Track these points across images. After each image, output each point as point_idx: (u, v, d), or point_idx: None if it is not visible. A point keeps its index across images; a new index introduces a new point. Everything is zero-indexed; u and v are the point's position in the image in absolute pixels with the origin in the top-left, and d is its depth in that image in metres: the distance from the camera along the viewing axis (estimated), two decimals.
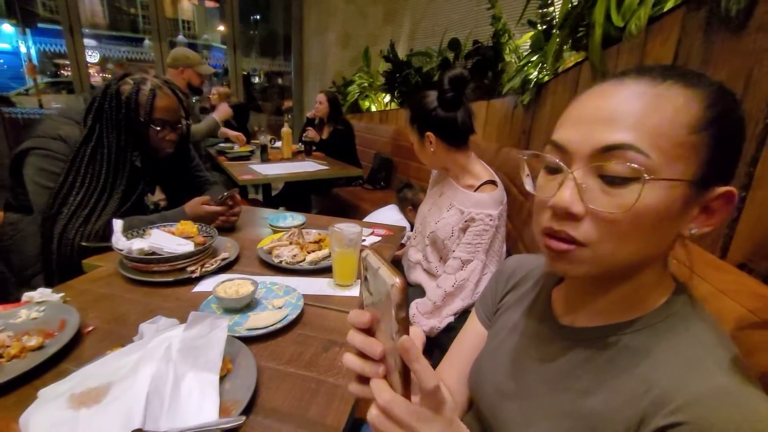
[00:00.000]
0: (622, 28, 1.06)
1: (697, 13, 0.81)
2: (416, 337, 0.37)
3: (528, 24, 1.99)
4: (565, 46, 1.55)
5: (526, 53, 2.02)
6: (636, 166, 0.35)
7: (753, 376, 0.35)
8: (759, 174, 0.61)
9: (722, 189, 0.37)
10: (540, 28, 1.82)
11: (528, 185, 0.45)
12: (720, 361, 0.35)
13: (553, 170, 0.41)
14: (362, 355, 0.36)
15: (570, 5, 1.34)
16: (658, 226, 0.37)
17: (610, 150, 0.36)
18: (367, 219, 2.17)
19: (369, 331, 0.37)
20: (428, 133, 1.17)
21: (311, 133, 3.13)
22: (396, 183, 3.17)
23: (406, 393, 0.35)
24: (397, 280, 0.32)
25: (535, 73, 1.92)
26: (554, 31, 1.41)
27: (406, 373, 0.34)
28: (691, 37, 0.82)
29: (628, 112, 0.36)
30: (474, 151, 1.24)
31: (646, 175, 0.35)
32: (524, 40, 2.30)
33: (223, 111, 2.73)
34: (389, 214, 2.11)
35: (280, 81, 6.27)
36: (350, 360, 0.37)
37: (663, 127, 0.35)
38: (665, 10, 0.98)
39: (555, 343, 0.48)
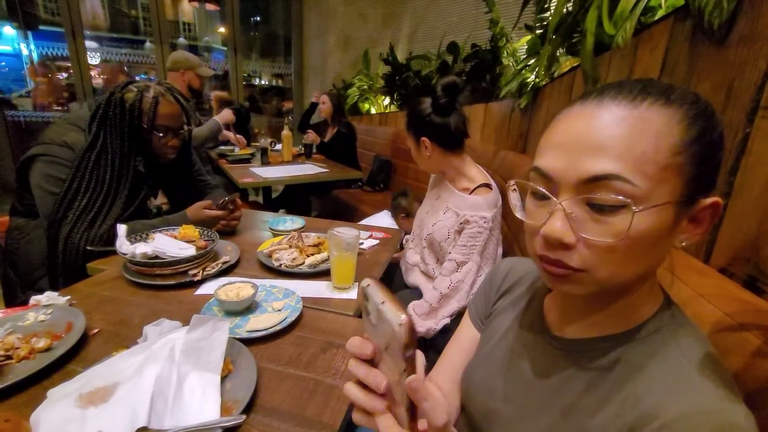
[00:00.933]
0: (614, 36, 1.08)
1: (683, 23, 0.83)
2: (419, 362, 0.37)
3: (525, 28, 2.01)
4: (560, 51, 1.58)
5: (523, 57, 2.05)
6: (622, 198, 0.35)
7: (738, 392, 0.36)
8: (739, 183, 0.63)
9: (708, 201, 0.38)
10: (537, 32, 1.85)
11: (518, 213, 0.45)
12: (706, 377, 0.36)
13: (541, 197, 0.41)
14: (363, 384, 0.36)
15: (564, 11, 1.36)
16: (654, 245, 0.38)
17: (596, 180, 0.36)
18: (362, 223, 2.20)
19: (371, 359, 0.37)
20: (423, 138, 1.20)
21: (311, 136, 3.15)
22: (395, 185, 3.19)
23: (413, 426, 0.35)
24: (404, 318, 0.31)
25: (532, 77, 1.94)
26: (548, 36, 1.43)
27: (413, 408, 0.34)
28: (678, 47, 0.85)
29: (612, 139, 0.36)
30: (472, 154, 1.27)
31: (634, 207, 0.35)
32: (521, 44, 2.32)
33: (225, 115, 2.75)
34: (383, 219, 2.15)
35: (280, 83, 6.30)
36: (352, 392, 0.36)
37: (647, 153, 0.35)
38: (655, 19, 1.01)
39: (546, 353, 0.48)
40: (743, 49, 0.66)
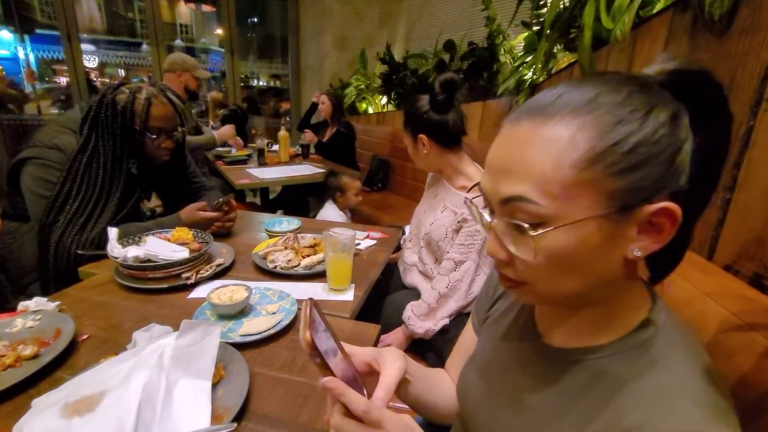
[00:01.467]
0: (612, 30, 1.06)
1: (683, 16, 0.81)
2: (395, 358, 0.49)
3: (522, 25, 2.00)
4: (558, 47, 1.56)
5: (520, 54, 2.03)
6: (525, 225, 0.36)
7: (728, 409, 0.34)
8: (743, 177, 0.62)
9: (654, 207, 0.35)
10: (534, 29, 1.83)
11: (478, 227, 0.46)
12: (690, 395, 0.34)
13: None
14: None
15: (561, 7, 1.35)
16: (585, 260, 0.37)
17: (508, 202, 0.37)
18: (320, 217, 2.17)
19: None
20: (421, 136, 1.18)
21: (308, 136, 3.14)
22: (393, 185, 3.18)
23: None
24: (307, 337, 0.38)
25: (530, 73, 1.93)
26: (545, 32, 1.42)
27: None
28: (678, 40, 0.83)
29: (517, 162, 0.36)
30: (469, 152, 1.25)
31: (531, 232, 0.35)
32: (518, 41, 2.31)
33: (225, 132, 2.76)
34: (329, 212, 2.13)
35: (278, 84, 6.29)
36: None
37: (547, 174, 0.34)
38: (654, 12, 0.99)
39: (535, 361, 0.48)
40: (745, 40, 0.64)
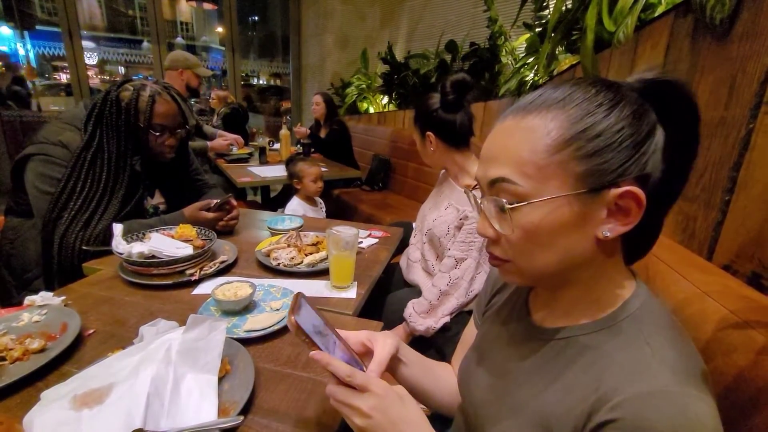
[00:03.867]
0: (614, 33, 1.08)
1: (684, 19, 0.82)
2: (386, 336, 0.57)
3: (524, 26, 2.01)
4: (560, 48, 1.57)
5: (522, 55, 2.04)
6: (503, 200, 0.42)
7: (700, 376, 0.37)
8: (742, 178, 0.63)
9: (618, 190, 0.39)
10: (536, 30, 1.84)
11: (475, 214, 0.50)
12: (666, 363, 0.37)
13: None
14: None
15: (563, 9, 1.36)
16: (557, 236, 0.41)
17: (494, 183, 0.43)
18: (287, 211, 2.03)
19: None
20: (429, 133, 1.20)
21: (302, 131, 3.16)
22: (394, 184, 3.19)
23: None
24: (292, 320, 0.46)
25: (531, 75, 1.94)
26: (548, 34, 1.43)
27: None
28: (679, 43, 0.84)
29: (501, 149, 0.43)
30: (477, 152, 1.26)
31: (507, 205, 0.42)
32: (520, 42, 2.32)
33: (217, 144, 2.77)
34: (294, 204, 2.05)
35: (278, 83, 6.29)
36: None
37: (525, 156, 0.41)
38: (656, 15, 1.00)
39: (527, 342, 0.51)
40: (746, 44, 0.65)
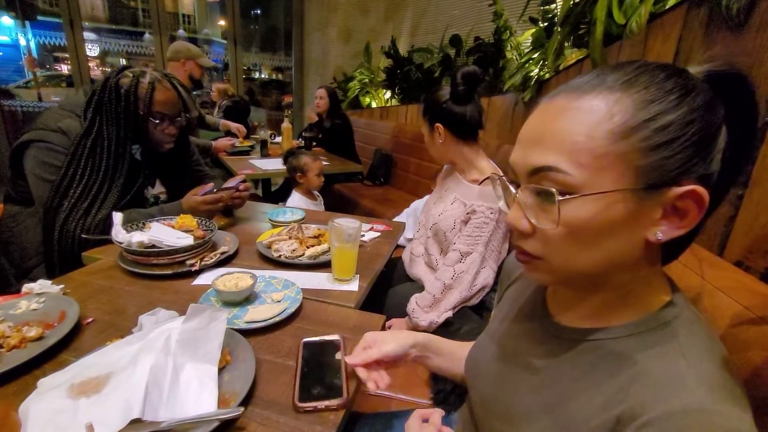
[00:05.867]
0: (623, 25, 1.06)
1: (698, 10, 0.81)
2: (390, 340, 0.64)
3: (529, 21, 1.98)
4: (566, 44, 1.55)
5: (527, 50, 2.02)
6: (553, 190, 0.37)
7: (739, 393, 0.34)
8: (756, 173, 0.61)
9: (681, 189, 0.35)
10: (542, 24, 1.82)
11: (500, 204, 0.47)
12: (703, 378, 0.34)
13: (514, 188, 0.43)
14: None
15: (572, 2, 1.34)
16: (605, 235, 0.37)
17: (537, 172, 0.38)
18: (288, 205, 2.00)
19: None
20: (438, 125, 1.19)
21: (312, 116, 3.15)
22: (395, 179, 3.17)
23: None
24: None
25: (536, 70, 1.92)
26: (555, 28, 1.41)
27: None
28: (692, 35, 0.82)
29: (550, 132, 0.38)
30: (484, 147, 1.26)
31: (559, 196, 0.36)
32: (525, 37, 2.29)
33: (222, 144, 2.76)
34: (295, 198, 2.02)
35: (280, 77, 6.26)
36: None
37: (579, 143, 0.36)
38: (667, 7, 0.98)
39: (544, 340, 0.48)
40: (762, 35, 0.64)
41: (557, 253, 0.39)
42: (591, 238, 0.37)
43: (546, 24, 1.80)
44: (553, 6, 1.76)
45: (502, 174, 0.46)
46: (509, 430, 0.46)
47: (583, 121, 0.36)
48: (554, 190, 0.37)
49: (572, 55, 1.72)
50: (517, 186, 0.42)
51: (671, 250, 0.42)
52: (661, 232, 0.36)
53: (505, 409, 0.48)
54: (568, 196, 0.36)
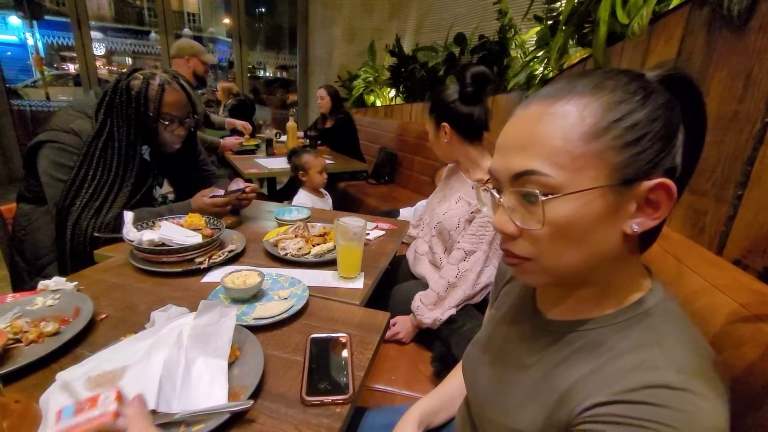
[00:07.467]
0: (627, 25, 1.06)
1: (700, 11, 0.81)
2: None
3: (534, 19, 1.98)
4: (570, 42, 1.55)
5: (532, 49, 2.02)
6: (536, 191, 0.39)
7: (714, 378, 0.36)
8: (756, 173, 0.62)
9: (652, 182, 0.38)
10: (546, 23, 1.82)
11: (485, 210, 0.49)
12: (674, 363, 0.36)
13: (496, 194, 0.45)
14: None
15: (576, 1, 1.34)
16: (588, 231, 0.39)
17: (520, 176, 0.40)
18: (295, 203, 2.01)
19: None
20: (444, 124, 1.20)
21: (323, 102, 3.18)
22: (400, 178, 3.18)
23: None
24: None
25: (541, 68, 1.92)
26: (560, 26, 1.41)
27: None
28: (694, 36, 0.83)
29: (529, 138, 0.40)
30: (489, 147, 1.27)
31: (542, 197, 0.38)
32: (530, 36, 2.29)
33: (229, 142, 2.79)
34: (301, 196, 2.04)
35: (285, 75, 6.28)
36: None
37: (557, 146, 0.38)
38: (670, 7, 0.99)
39: (534, 337, 0.50)
40: (763, 36, 0.64)
41: (545, 253, 0.41)
42: (575, 235, 0.40)
43: (551, 22, 1.80)
44: (557, 4, 1.76)
45: (486, 180, 0.48)
46: (503, 421, 0.49)
47: (559, 126, 0.38)
48: (538, 191, 0.39)
49: (576, 54, 1.72)
50: (500, 191, 0.44)
51: (645, 239, 0.45)
52: (637, 224, 0.39)
53: (500, 406, 0.50)
54: (551, 196, 0.38)
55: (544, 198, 0.38)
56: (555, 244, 0.40)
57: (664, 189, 0.38)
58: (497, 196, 0.44)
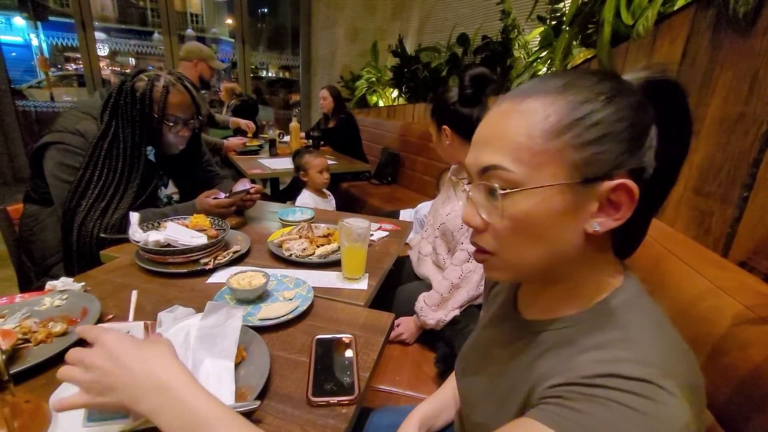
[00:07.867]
0: (631, 26, 1.06)
1: (705, 13, 0.81)
2: None
3: (538, 20, 1.98)
4: (574, 42, 1.55)
5: (535, 49, 2.02)
6: (497, 185, 0.40)
7: (682, 376, 0.35)
8: (761, 174, 0.62)
9: (612, 183, 0.38)
10: (550, 24, 1.82)
11: (461, 204, 0.49)
12: (638, 356, 0.36)
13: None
14: None
15: (580, 2, 1.34)
16: (547, 227, 0.40)
17: (486, 170, 0.41)
18: (298, 203, 2.02)
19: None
20: (445, 126, 1.20)
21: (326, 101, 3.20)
22: (403, 178, 3.18)
23: None
24: None
25: (544, 69, 1.92)
26: (564, 27, 1.41)
27: None
28: (699, 37, 0.83)
29: (496, 133, 0.41)
30: None
31: (500, 191, 0.40)
32: (533, 36, 2.29)
33: (233, 143, 2.80)
34: (304, 197, 2.06)
35: (287, 75, 6.29)
36: None
37: (521, 142, 0.39)
38: (675, 8, 0.98)
39: (512, 338, 0.51)
40: None
41: (506, 247, 0.42)
42: (534, 230, 0.40)
43: (554, 23, 1.80)
44: (561, 5, 1.76)
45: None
46: (488, 424, 0.48)
47: (523, 123, 0.39)
48: (497, 185, 0.40)
49: (580, 55, 1.72)
50: (470, 183, 0.45)
51: (623, 246, 0.45)
52: (598, 224, 0.39)
53: (483, 409, 0.51)
54: (509, 191, 0.39)
55: (502, 192, 0.40)
56: (515, 239, 0.41)
57: (625, 190, 0.38)
58: (466, 188, 0.45)
